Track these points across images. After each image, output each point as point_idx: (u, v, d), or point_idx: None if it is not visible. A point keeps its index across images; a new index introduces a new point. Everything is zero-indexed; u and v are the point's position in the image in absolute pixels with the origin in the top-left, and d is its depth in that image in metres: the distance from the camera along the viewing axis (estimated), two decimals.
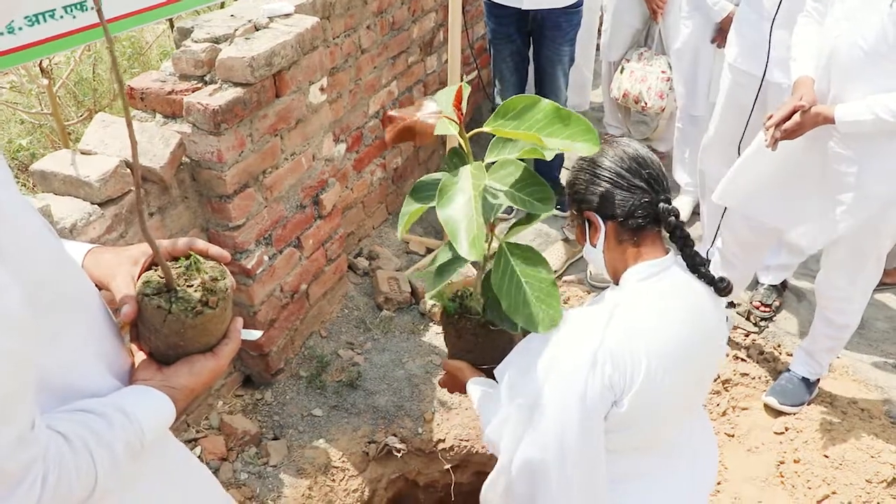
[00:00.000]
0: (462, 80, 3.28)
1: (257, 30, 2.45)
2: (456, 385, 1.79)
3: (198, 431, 2.59)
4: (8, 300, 0.78)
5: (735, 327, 3.18)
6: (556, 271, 3.46)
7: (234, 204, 2.34)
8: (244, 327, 1.18)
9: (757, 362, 3.01)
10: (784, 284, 3.37)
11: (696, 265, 1.60)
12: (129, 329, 1.11)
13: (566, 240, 3.62)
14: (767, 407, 2.80)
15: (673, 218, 1.54)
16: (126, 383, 1.07)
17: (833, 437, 2.67)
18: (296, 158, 2.58)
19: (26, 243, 0.87)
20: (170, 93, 2.29)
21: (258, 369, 2.77)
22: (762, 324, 3.22)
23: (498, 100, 3.78)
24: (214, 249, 1.14)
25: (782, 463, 2.64)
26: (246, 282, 2.49)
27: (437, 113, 1.43)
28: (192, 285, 1.05)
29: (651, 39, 3.95)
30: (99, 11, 0.83)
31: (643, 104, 3.89)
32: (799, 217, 2.55)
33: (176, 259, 1.10)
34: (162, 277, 1.05)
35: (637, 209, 1.53)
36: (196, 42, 2.35)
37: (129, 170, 2.13)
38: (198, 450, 2.51)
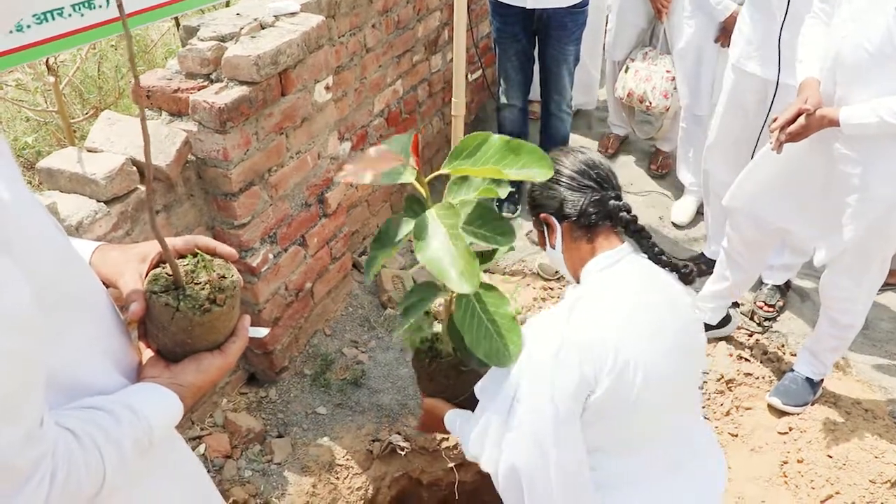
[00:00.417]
0: (467, 79, 3.28)
1: (263, 28, 2.45)
2: (434, 422, 1.81)
3: (202, 429, 2.59)
4: (16, 298, 0.78)
5: (739, 327, 3.17)
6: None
7: (240, 202, 2.35)
8: (250, 325, 1.19)
9: (761, 362, 3.01)
10: (788, 284, 3.37)
11: (656, 255, 1.69)
12: (137, 326, 1.11)
13: None
14: (771, 407, 2.80)
15: (625, 213, 1.64)
16: (133, 381, 1.07)
17: (837, 437, 2.67)
18: (301, 157, 2.59)
19: (33, 241, 0.88)
20: (176, 91, 2.30)
21: (263, 367, 2.78)
22: (766, 324, 3.22)
23: (503, 99, 3.79)
24: (222, 247, 1.14)
25: (786, 463, 2.64)
26: (251, 280, 2.50)
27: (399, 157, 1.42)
28: (199, 283, 1.05)
29: (656, 39, 3.95)
30: (120, 7, 0.83)
31: (647, 104, 3.89)
32: (805, 217, 2.55)
33: (183, 257, 1.10)
34: (170, 275, 1.05)
35: (588, 207, 1.62)
36: (202, 40, 2.36)
37: (135, 168, 2.13)
38: (202, 447, 2.51)
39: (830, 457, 2.61)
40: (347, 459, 2.63)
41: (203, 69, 2.33)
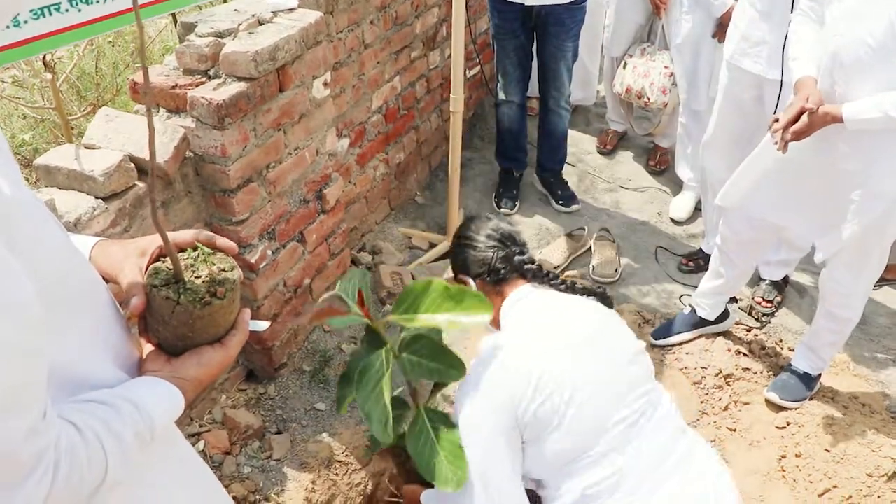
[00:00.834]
0: (465, 76, 3.29)
1: (261, 24, 2.45)
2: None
3: (201, 426, 2.59)
4: (18, 291, 0.78)
5: (737, 323, 3.18)
6: (558, 266, 3.47)
7: (238, 198, 2.35)
8: (251, 319, 1.19)
9: (759, 357, 3.01)
10: (786, 280, 3.38)
11: (570, 287, 1.98)
12: (138, 321, 1.12)
13: (569, 235, 3.62)
14: (769, 402, 2.81)
15: (529, 265, 1.94)
16: (134, 376, 1.07)
17: (834, 431, 2.67)
18: (299, 153, 2.59)
19: (34, 237, 0.88)
20: (173, 87, 2.29)
21: (261, 364, 2.78)
22: (764, 319, 3.23)
23: (501, 95, 3.79)
24: (222, 241, 1.14)
25: (784, 457, 2.64)
26: (249, 276, 2.50)
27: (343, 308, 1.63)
28: (200, 276, 1.06)
29: (654, 35, 3.95)
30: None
31: (646, 99, 3.89)
32: (802, 215, 2.55)
33: (183, 250, 1.10)
34: (170, 268, 1.05)
35: (496, 264, 1.92)
36: (200, 36, 2.35)
37: (133, 164, 2.13)
38: (201, 444, 2.51)
39: (828, 451, 2.62)
40: (346, 455, 2.63)
41: (201, 65, 2.33)
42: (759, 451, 2.69)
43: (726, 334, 3.11)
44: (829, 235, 2.51)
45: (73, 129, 3.51)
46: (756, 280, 3.38)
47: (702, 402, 2.86)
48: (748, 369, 2.93)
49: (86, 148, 2.18)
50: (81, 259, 1.03)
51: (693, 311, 3.06)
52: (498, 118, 3.89)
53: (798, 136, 2.25)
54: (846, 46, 2.18)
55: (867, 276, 2.57)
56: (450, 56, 3.39)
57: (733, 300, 3.30)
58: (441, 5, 3.78)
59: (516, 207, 3.92)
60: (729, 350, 3.01)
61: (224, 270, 1.08)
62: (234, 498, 2.37)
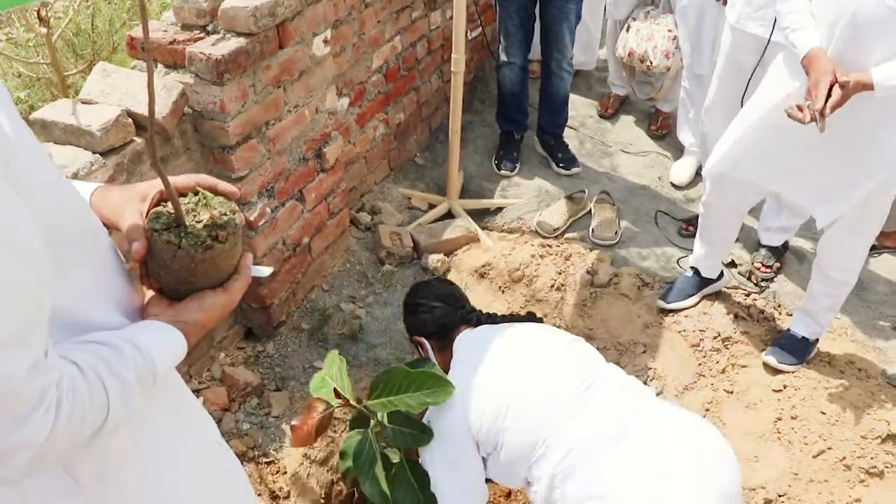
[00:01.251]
0: (466, 37, 3.25)
1: None
2: None
3: (200, 383, 2.61)
4: (21, 227, 0.78)
5: (736, 287, 3.18)
6: (558, 228, 3.46)
7: (237, 155, 2.34)
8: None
9: (757, 321, 3.02)
10: (785, 246, 3.38)
11: (506, 318, 2.29)
12: (139, 267, 1.11)
13: (569, 197, 3.61)
14: (766, 365, 2.82)
15: (473, 316, 2.25)
16: (136, 321, 1.07)
17: (830, 395, 2.69)
18: (299, 111, 2.57)
19: (35, 175, 0.87)
20: (171, 42, 2.27)
21: (260, 322, 2.79)
22: (763, 284, 3.23)
23: (503, 57, 3.75)
24: (223, 185, 1.13)
25: (779, 419, 2.66)
26: (248, 234, 2.50)
27: (327, 413, 2.01)
28: (201, 221, 1.04)
29: None
30: None
31: (648, 63, 3.86)
32: (803, 182, 2.54)
33: (184, 195, 1.09)
34: (171, 213, 1.04)
35: (442, 321, 2.22)
36: None
37: (130, 119, 2.12)
38: (200, 401, 2.53)
39: (823, 414, 2.63)
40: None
41: (199, 20, 2.30)
42: (756, 413, 2.70)
43: (725, 298, 3.11)
44: (830, 203, 2.49)
45: (69, 86, 3.48)
46: (756, 246, 3.38)
47: (699, 365, 2.87)
48: (746, 332, 2.94)
49: (83, 103, 2.16)
50: (82, 202, 1.02)
51: (695, 271, 3.06)
52: (499, 80, 3.86)
53: (834, 110, 2.18)
54: (865, 9, 2.13)
55: (867, 237, 2.57)
56: (451, 17, 3.35)
57: (732, 265, 3.30)
58: None
59: (516, 170, 3.90)
60: (728, 313, 3.02)
61: (225, 214, 1.07)
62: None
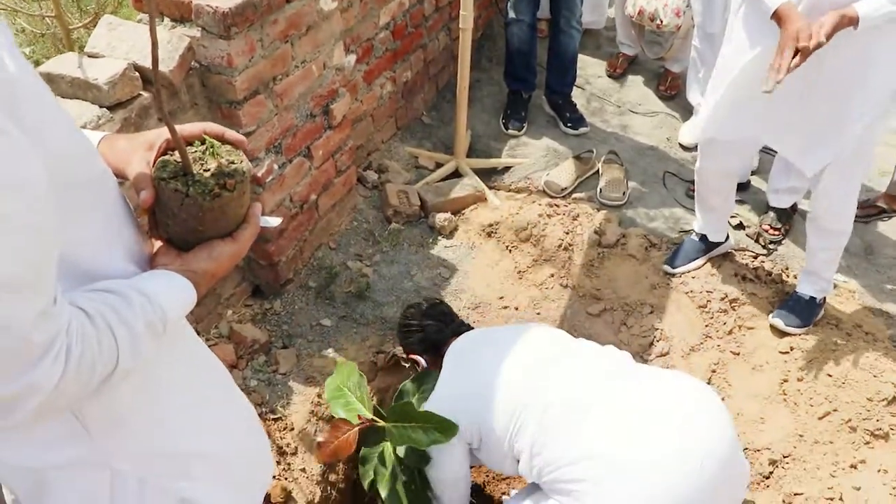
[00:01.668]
0: None
1: None
2: None
3: (207, 340, 2.61)
4: (29, 171, 0.77)
5: (744, 249, 3.17)
6: (566, 188, 3.44)
7: (244, 110, 2.31)
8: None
9: (764, 283, 3.01)
10: (794, 208, 3.35)
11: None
12: (148, 219, 1.10)
13: (577, 157, 3.58)
14: (773, 328, 2.82)
15: (464, 328, 2.39)
16: (145, 271, 1.06)
17: (837, 357, 2.69)
18: (306, 66, 2.54)
19: (44, 119, 0.86)
20: None
21: (267, 279, 2.79)
22: (771, 247, 3.21)
23: (511, 14, 3.70)
24: (230, 133, 1.11)
25: (786, 381, 2.67)
26: (256, 190, 2.48)
27: (352, 433, 2.18)
28: (208, 169, 1.03)
29: None
30: None
31: (658, 21, 3.80)
32: (790, 132, 2.51)
33: (191, 143, 1.07)
34: (178, 161, 1.03)
35: (433, 338, 2.36)
36: None
37: (137, 73, 2.09)
38: None
39: (830, 376, 2.64)
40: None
41: None
42: (762, 375, 2.71)
43: (732, 259, 3.10)
44: (817, 151, 2.47)
45: (74, 41, 3.44)
46: (764, 208, 3.36)
47: (706, 326, 2.87)
48: (754, 294, 2.94)
49: (89, 56, 2.14)
50: (90, 146, 1.01)
51: (701, 237, 3.05)
52: (507, 38, 3.81)
53: (790, 72, 2.15)
54: None
55: (857, 181, 2.58)
56: None
57: (741, 227, 3.28)
58: None
59: (524, 129, 3.87)
60: (735, 275, 3.01)
61: (233, 163, 1.06)
62: None
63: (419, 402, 2.24)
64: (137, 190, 1.03)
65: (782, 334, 2.80)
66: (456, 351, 2.25)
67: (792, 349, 2.75)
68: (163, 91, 2.16)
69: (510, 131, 3.84)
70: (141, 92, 2.11)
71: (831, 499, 2.38)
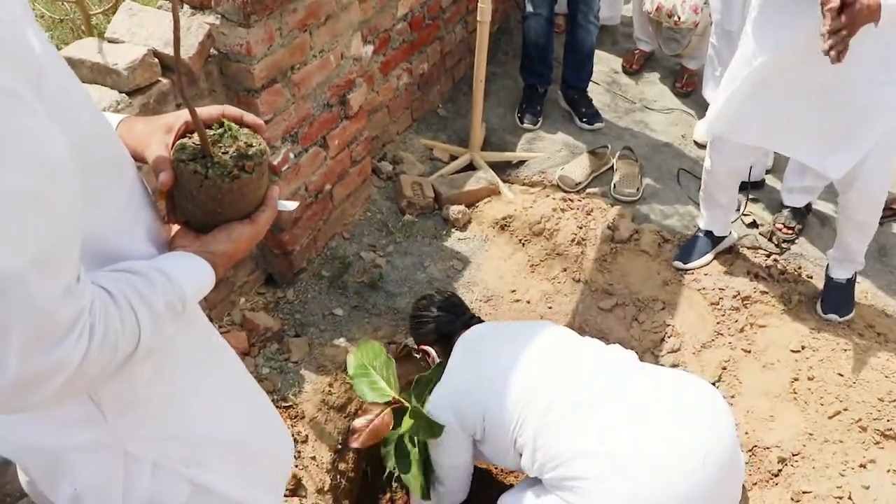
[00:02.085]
0: None
1: None
2: None
3: (220, 327, 2.63)
4: (56, 148, 0.78)
5: (756, 247, 3.17)
6: (579, 183, 3.44)
7: (262, 99, 2.33)
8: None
9: (777, 282, 3.01)
10: (808, 208, 3.34)
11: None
12: (165, 202, 1.11)
13: (592, 152, 3.58)
14: (784, 324, 2.81)
15: (475, 321, 2.41)
16: (164, 253, 1.07)
17: (848, 356, 2.69)
18: (324, 56, 2.55)
19: (66, 98, 0.87)
20: None
21: (280, 268, 2.80)
22: (784, 246, 3.21)
23: (528, 7, 3.69)
24: (249, 117, 1.12)
25: (796, 380, 2.66)
26: (272, 178, 2.49)
27: (387, 414, 2.22)
28: (227, 151, 1.04)
29: None
30: None
31: (676, 18, 3.79)
32: (802, 138, 2.51)
33: (209, 126, 1.08)
34: (197, 144, 1.04)
35: (444, 329, 2.37)
36: None
37: (157, 59, 2.11)
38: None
39: (841, 375, 2.63)
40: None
41: None
42: (773, 373, 2.71)
43: (745, 257, 3.09)
44: (839, 152, 2.46)
45: (93, 27, 3.46)
46: (778, 206, 3.35)
47: (718, 323, 2.87)
48: (766, 292, 2.93)
49: (109, 42, 2.15)
50: (110, 127, 1.02)
51: (708, 232, 3.06)
52: (524, 31, 3.80)
53: (848, 38, 2.05)
54: None
55: (892, 165, 2.57)
56: None
57: (754, 225, 3.28)
58: None
59: (539, 123, 3.87)
60: (748, 273, 3.01)
61: (251, 145, 1.06)
62: None
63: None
64: (157, 172, 1.04)
65: (794, 332, 2.80)
66: (465, 342, 2.27)
67: (803, 348, 2.74)
68: (182, 75, 2.17)
69: (525, 125, 3.84)
70: (160, 78, 2.12)
71: (840, 497, 2.38)
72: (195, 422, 1.24)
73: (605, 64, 4.42)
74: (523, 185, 3.51)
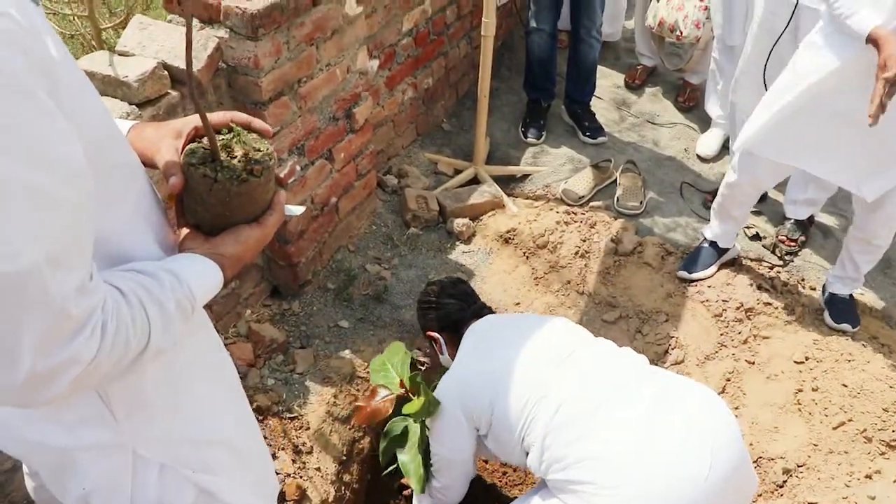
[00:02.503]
0: (496, 3, 3.23)
1: None
2: None
3: (226, 338, 2.64)
4: (71, 149, 0.80)
5: (759, 260, 3.18)
6: (583, 196, 3.46)
7: (269, 111, 2.35)
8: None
9: (781, 293, 3.02)
10: (811, 220, 3.36)
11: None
12: (175, 206, 1.13)
13: (595, 166, 3.61)
14: (787, 336, 2.82)
15: (486, 311, 2.37)
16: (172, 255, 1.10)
17: (852, 367, 2.69)
18: (330, 69, 2.58)
19: (82, 103, 0.89)
20: None
21: (286, 280, 2.82)
22: (787, 258, 3.22)
23: (532, 23, 3.73)
24: (257, 122, 1.15)
25: (800, 391, 2.67)
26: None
27: (389, 398, 2.25)
28: (235, 156, 1.07)
29: None
30: None
31: (678, 33, 3.83)
32: (842, 162, 2.54)
33: (218, 132, 1.11)
34: (206, 148, 1.06)
35: (454, 316, 2.33)
36: None
37: (166, 72, 2.13)
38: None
39: (845, 386, 2.64)
40: (368, 372, 2.67)
41: None
42: (777, 385, 2.71)
43: (748, 269, 3.11)
44: (878, 178, 2.50)
45: (104, 41, 3.49)
46: (781, 219, 3.37)
47: (721, 335, 2.88)
48: (770, 304, 2.94)
49: (119, 55, 2.18)
50: (121, 135, 1.04)
51: (712, 243, 3.07)
52: (528, 47, 3.84)
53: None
54: None
55: None
56: None
57: (757, 237, 3.29)
58: None
59: (542, 138, 3.90)
60: (751, 285, 3.02)
61: (259, 150, 1.09)
62: (258, 408, 2.43)
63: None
64: (167, 176, 1.07)
65: (797, 344, 2.81)
66: (476, 331, 2.24)
67: (807, 359, 2.75)
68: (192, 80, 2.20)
69: (529, 140, 3.87)
70: (169, 90, 2.15)
71: None
72: (202, 424, 1.26)
73: (607, 79, 4.45)
74: (527, 198, 3.53)
